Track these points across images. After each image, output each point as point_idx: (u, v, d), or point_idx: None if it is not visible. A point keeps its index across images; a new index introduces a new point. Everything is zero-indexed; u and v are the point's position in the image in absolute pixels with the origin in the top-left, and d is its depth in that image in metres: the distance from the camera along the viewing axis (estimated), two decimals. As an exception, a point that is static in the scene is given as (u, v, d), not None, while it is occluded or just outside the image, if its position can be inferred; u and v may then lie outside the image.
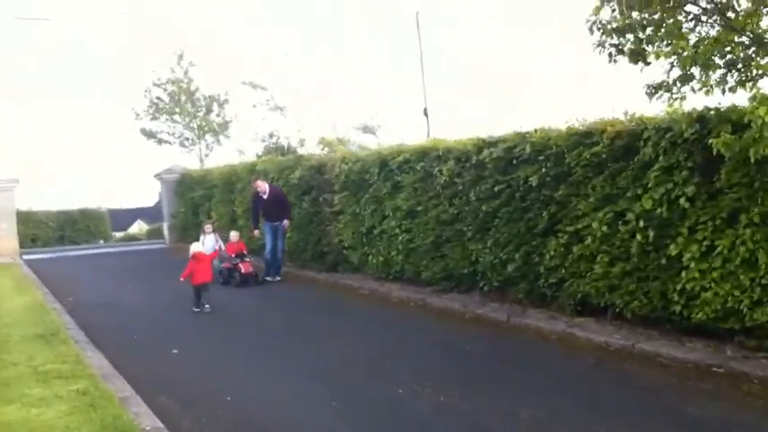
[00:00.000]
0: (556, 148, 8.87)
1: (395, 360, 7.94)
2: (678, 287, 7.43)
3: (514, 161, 9.62)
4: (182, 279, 11.77)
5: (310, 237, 15.14)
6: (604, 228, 8.16)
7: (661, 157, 7.48)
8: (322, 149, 15.65)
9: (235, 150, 19.97)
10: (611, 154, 8.16)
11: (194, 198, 22.44)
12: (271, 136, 17.68)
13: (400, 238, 12.16)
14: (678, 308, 7.49)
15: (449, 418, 6.04)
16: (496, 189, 9.80)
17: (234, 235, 15.03)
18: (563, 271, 8.93)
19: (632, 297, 8.02)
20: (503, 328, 9.20)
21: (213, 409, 6.54)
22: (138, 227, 45.99)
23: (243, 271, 14.08)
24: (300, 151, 16.25)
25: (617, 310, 8.27)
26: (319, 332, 9.67)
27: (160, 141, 25.24)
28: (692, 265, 7.23)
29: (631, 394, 6.41)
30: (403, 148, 12.41)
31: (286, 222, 14.62)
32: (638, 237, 7.72)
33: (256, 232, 15.02)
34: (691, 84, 6.49)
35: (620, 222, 8.08)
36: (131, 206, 50.88)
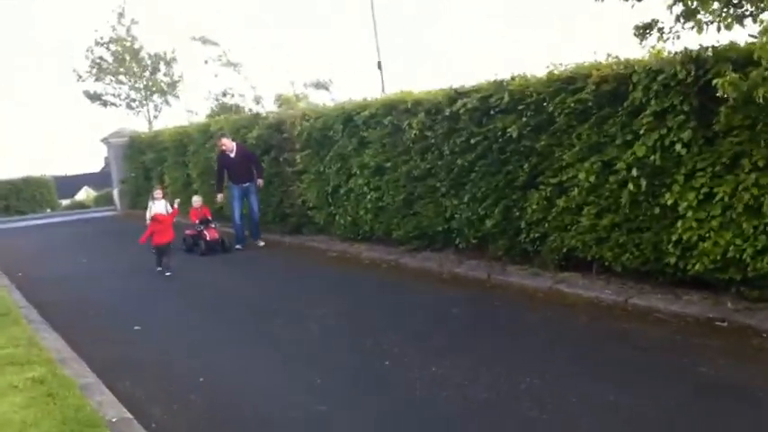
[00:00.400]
0: (536, 95, 8.36)
1: (376, 328, 7.43)
2: (673, 238, 7.02)
3: (491, 111, 9.09)
4: (142, 242, 11.70)
5: (272, 198, 14.49)
6: (592, 178, 7.71)
7: (653, 102, 7.00)
8: (279, 107, 14.83)
9: (185, 111, 19.04)
10: (597, 100, 7.67)
11: (145, 162, 21.55)
12: (224, 94, 16.86)
13: (369, 196, 11.60)
14: (673, 259, 7.09)
15: (444, 390, 5.53)
16: (472, 141, 9.28)
17: (196, 200, 14.02)
18: (546, 225, 8.49)
19: (622, 250, 7.61)
20: (485, 287, 8.76)
21: (185, 393, 5.96)
22: (86, 193, 44.68)
23: (208, 238, 13.10)
24: (256, 109, 15.39)
25: (606, 263, 7.86)
26: (291, 300, 9.10)
27: (105, 103, 24.12)
28: (689, 214, 6.82)
29: (635, 355, 5.99)
30: (368, 102, 11.78)
31: (260, 181, 13.61)
32: (630, 186, 7.28)
33: (220, 197, 13.88)
34: (698, 17, 5.98)
35: (608, 172, 7.64)
36: (77, 172, 49.39)
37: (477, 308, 7.97)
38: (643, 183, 7.16)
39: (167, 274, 11.35)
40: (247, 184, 13.51)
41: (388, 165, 11.11)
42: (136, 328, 8.32)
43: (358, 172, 11.78)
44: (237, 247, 13.37)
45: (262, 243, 13.56)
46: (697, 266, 6.86)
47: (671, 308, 6.89)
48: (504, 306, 7.88)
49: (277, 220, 14.48)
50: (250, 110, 15.64)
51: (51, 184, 34.95)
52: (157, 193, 13.41)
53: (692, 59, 6.70)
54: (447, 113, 9.73)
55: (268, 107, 15.39)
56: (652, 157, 7.03)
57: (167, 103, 23.60)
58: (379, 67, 21.58)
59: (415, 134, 10.36)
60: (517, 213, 8.89)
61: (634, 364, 5.77)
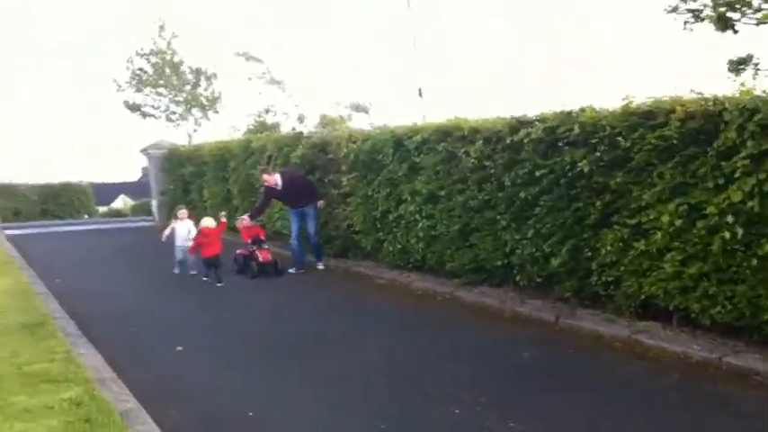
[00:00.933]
0: (610, 129, 7.68)
1: (440, 369, 6.82)
2: (773, 293, 6.34)
3: (559, 143, 8.42)
4: (190, 254, 12.38)
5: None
6: (677, 222, 7.02)
7: (748, 143, 6.30)
8: (324, 127, 14.25)
9: (227, 126, 18.60)
10: (682, 138, 6.98)
11: (184, 175, 21.11)
12: (267, 111, 16.30)
13: (420, 224, 10.98)
14: (771, 316, 6.41)
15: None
16: (537, 174, 8.61)
17: (246, 218, 13.11)
18: (621, 268, 7.80)
19: (712, 302, 6.91)
20: (554, 331, 8.09)
21: (235, 428, 5.48)
22: (123, 202, 44.49)
23: (260, 259, 12.27)
24: (299, 128, 14.83)
25: (691, 315, 7.16)
26: (342, 332, 8.46)
27: (144, 115, 23.72)
28: (793, 268, 6.13)
29: (738, 424, 5.32)
30: (420, 127, 11.17)
31: (321, 203, 12.84)
32: (724, 233, 6.58)
33: (245, 221, 12.77)
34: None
35: (695, 216, 6.94)
36: (114, 180, 49.30)
37: (549, 354, 7.29)
38: (739, 231, 6.45)
39: (218, 284, 11.57)
40: (304, 207, 12.70)
41: (442, 193, 10.47)
42: (178, 348, 7.84)
43: (409, 198, 11.17)
44: (291, 270, 12.52)
45: (321, 266, 12.83)
46: (800, 326, 6.17)
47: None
48: (580, 355, 7.19)
49: (322, 243, 13.88)
50: (293, 128, 15.02)
51: (89, 191, 34.73)
52: (182, 213, 12.97)
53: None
54: (508, 143, 9.08)
55: (311, 127, 14.70)
56: (749, 204, 6.33)
57: (207, 117, 23.16)
58: (420, 93, 21.03)
59: (472, 163, 9.71)
60: (588, 253, 8.21)
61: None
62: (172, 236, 12.68)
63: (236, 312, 9.78)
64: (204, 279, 11.85)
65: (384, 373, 6.85)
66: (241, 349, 7.90)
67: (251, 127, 19.20)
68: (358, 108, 14.59)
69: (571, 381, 6.46)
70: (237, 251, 12.85)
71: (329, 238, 13.65)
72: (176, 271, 12.43)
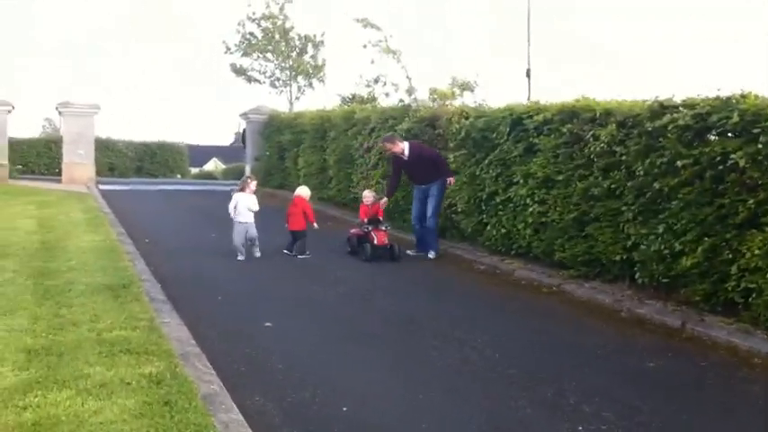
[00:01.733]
0: (777, 119, 6.72)
1: (554, 374, 6.02)
2: None
3: (709, 132, 7.50)
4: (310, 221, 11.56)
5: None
6: None
7: None
8: (434, 101, 13.55)
9: (334, 95, 18.06)
10: None
11: (281, 142, 20.77)
12: (376, 81, 15.67)
13: (531, 209, 10.15)
14: None
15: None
16: (678, 164, 7.69)
17: (368, 195, 12.00)
18: (767, 276, 6.84)
19: None
20: (679, 338, 7.18)
21: (328, 425, 4.81)
22: (214, 165, 44.87)
23: (376, 242, 11.05)
24: (409, 101, 14.15)
25: None
26: (443, 323, 7.72)
27: (250, 79, 23.45)
28: None
29: None
30: (542, 106, 10.32)
31: (451, 180, 11.53)
32: None
33: (384, 201, 11.94)
34: None
35: None
36: (208, 143, 49.83)
37: (679, 366, 6.40)
38: None
39: (299, 257, 11.18)
40: (427, 185, 11.52)
41: (560, 178, 9.62)
42: (267, 324, 7.27)
43: (521, 181, 10.35)
44: (409, 252, 11.53)
45: (432, 255, 11.39)
46: None
47: None
48: (714, 369, 6.27)
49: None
50: (401, 100, 14.35)
51: (184, 151, 35.04)
52: (252, 183, 11.21)
53: None
54: (648, 128, 8.17)
55: (420, 100, 13.99)
56: None
57: (311, 86, 22.74)
58: (528, 74, 20.09)
59: (601, 147, 8.83)
60: (728, 255, 7.26)
61: None
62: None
63: (327, 290, 9.16)
64: (285, 252, 11.28)
65: (490, 369, 6.11)
66: (330, 330, 7.31)
67: (345, 97, 18.57)
68: (463, 86, 13.77)
69: (707, 400, 5.57)
70: (351, 230, 11.78)
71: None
72: (240, 257, 10.77)
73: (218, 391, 5.11)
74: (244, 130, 23.10)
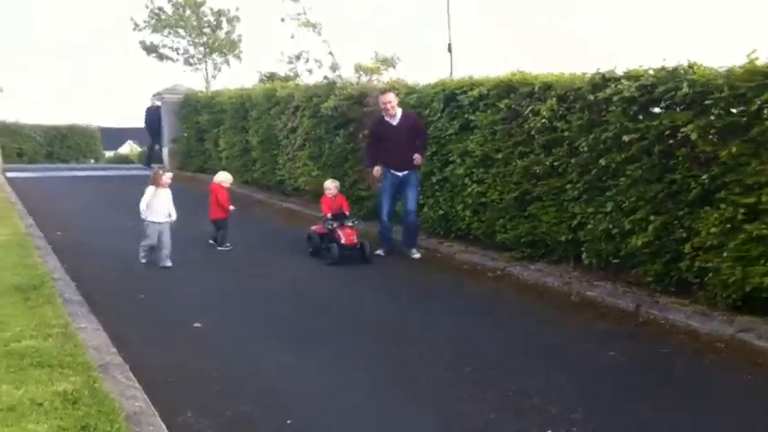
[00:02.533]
0: (729, 90, 6.38)
1: (510, 370, 5.59)
2: None
3: (656, 104, 7.15)
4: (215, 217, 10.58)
5: (345, 178, 12.63)
6: (813, 205, 5.76)
7: None
8: (359, 77, 12.93)
9: (254, 72, 17.18)
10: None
11: (200, 123, 19.76)
12: (298, 57, 14.90)
13: (469, 189, 9.71)
14: None
15: None
16: (625, 139, 7.32)
17: (330, 186, 10.27)
18: (724, 254, 6.54)
19: None
20: (636, 323, 6.85)
21: None
22: (130, 148, 43.09)
23: (343, 241, 9.42)
24: (333, 78, 13.49)
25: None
26: (390, 319, 7.21)
27: (162, 57, 22.26)
28: None
29: None
30: (477, 80, 9.83)
31: (418, 157, 9.67)
32: None
33: (376, 170, 9.91)
34: None
35: (836, 199, 5.69)
36: (123, 125, 47.80)
37: (641, 354, 6.01)
38: None
39: (219, 247, 10.37)
40: (407, 172, 9.71)
41: (499, 156, 9.19)
42: (196, 325, 6.63)
43: (458, 160, 9.89)
44: (379, 252, 9.95)
45: (417, 255, 9.81)
46: None
47: None
48: (678, 357, 5.91)
49: (350, 203, 12.60)
50: (325, 77, 13.67)
51: (97, 135, 33.42)
52: (166, 176, 9.39)
53: None
54: (590, 102, 7.78)
55: (346, 77, 13.36)
56: None
57: (228, 63, 21.72)
58: (450, 49, 19.57)
59: (542, 123, 8.42)
60: (682, 234, 6.96)
61: None
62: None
63: (260, 284, 8.52)
64: (210, 242, 10.52)
65: (444, 370, 5.61)
66: (270, 331, 6.65)
67: (264, 75, 17.71)
68: (385, 62, 13.20)
69: (679, 394, 5.17)
70: (312, 228, 10.15)
71: (359, 198, 12.39)
72: (143, 260, 9.23)
73: (144, 409, 4.47)
74: (148, 110, 21.84)
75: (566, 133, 8.17)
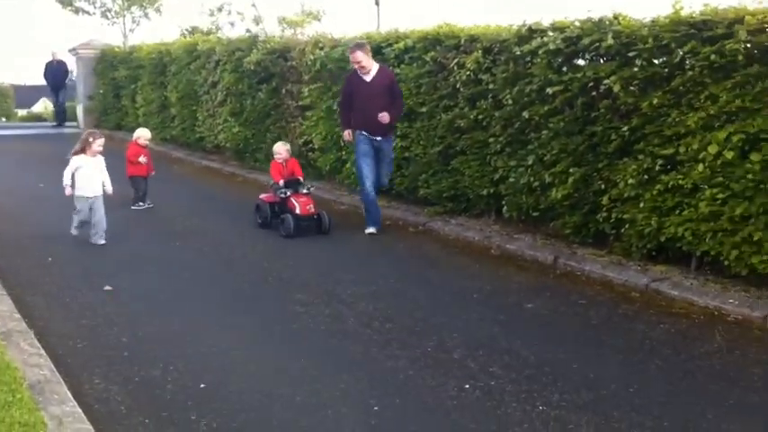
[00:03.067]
0: (653, 41, 6.39)
1: (429, 322, 5.51)
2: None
3: (581, 56, 7.13)
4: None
5: (267, 134, 12.34)
6: (729, 155, 5.81)
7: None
8: (283, 31, 12.60)
9: (175, 27, 16.55)
10: (749, 54, 5.75)
11: (116, 79, 19.01)
12: (220, 9, 14.43)
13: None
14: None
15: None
16: (549, 92, 7.29)
17: (281, 149, 8.98)
18: (641, 204, 6.60)
19: (754, 249, 5.77)
20: (554, 274, 6.87)
21: (183, 407, 4.04)
22: (44, 106, 41.41)
23: (298, 211, 8.26)
24: (256, 31, 13.12)
25: (726, 263, 6.02)
26: (308, 275, 7.03)
27: (77, 10, 21.27)
28: None
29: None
30: (402, 33, 9.66)
31: (385, 116, 8.10)
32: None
33: (347, 134, 8.66)
34: None
35: (749, 149, 5.76)
36: (36, 83, 45.87)
37: (558, 305, 5.97)
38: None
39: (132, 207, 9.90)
40: (380, 138, 8.33)
41: (423, 110, 9.06)
42: (107, 288, 6.29)
43: (382, 114, 9.70)
44: (371, 230, 8.38)
45: (373, 230, 8.41)
46: None
47: None
48: (594, 308, 5.90)
49: (271, 160, 12.31)
50: (248, 30, 13.28)
51: (9, 93, 31.95)
52: (98, 142, 7.98)
53: None
54: (515, 54, 7.72)
55: (269, 30, 13.01)
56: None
57: (147, 16, 20.90)
58: (377, 2, 19.39)
59: (467, 76, 8.32)
60: (601, 186, 6.99)
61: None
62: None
63: (177, 245, 8.21)
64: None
65: (363, 327, 5.49)
66: (184, 293, 6.34)
67: (186, 29, 17.10)
68: (309, 15, 12.93)
69: (595, 344, 5.16)
70: (261, 196, 8.92)
71: (280, 154, 12.11)
72: (74, 231, 8.08)
73: (49, 377, 4.21)
74: (49, 65, 20.89)
75: (490, 86, 8.09)
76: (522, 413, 4.05)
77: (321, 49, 10.96)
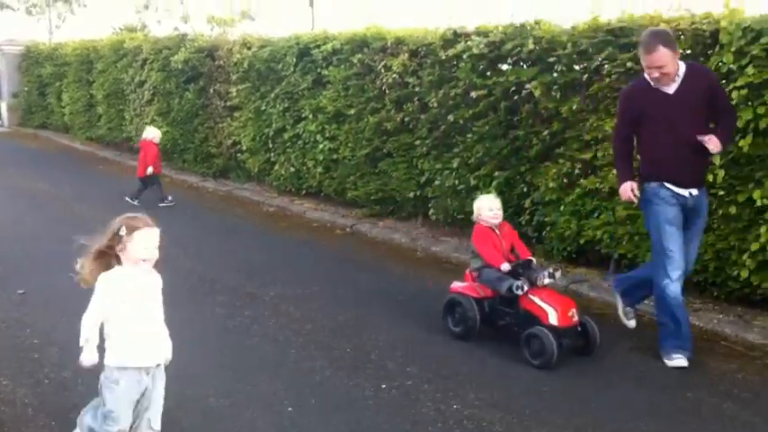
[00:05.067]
0: (572, 47, 6.48)
1: (357, 330, 5.42)
2: (752, 247, 5.38)
3: (504, 61, 7.19)
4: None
5: (195, 134, 12.12)
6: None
7: (749, 70, 5.25)
8: (212, 29, 12.40)
9: (104, 24, 16.04)
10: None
11: (42, 76, 18.41)
12: (147, 7, 14.09)
13: (321, 146, 9.49)
14: (744, 273, 5.46)
15: None
16: (473, 95, 7.33)
17: (489, 204, 5.38)
18: (561, 208, 6.70)
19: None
20: (478, 276, 6.90)
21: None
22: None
23: (555, 321, 4.74)
24: (184, 29, 12.86)
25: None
26: (231, 275, 6.90)
27: (1, 6, 20.55)
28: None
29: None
30: (330, 35, 9.59)
31: (716, 144, 4.59)
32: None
33: (626, 190, 4.84)
34: None
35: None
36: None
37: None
38: (720, 173, 5.43)
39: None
40: (697, 192, 4.83)
41: (351, 112, 9.01)
42: (19, 291, 6.05)
43: (310, 116, 9.63)
44: (677, 360, 4.76)
45: (680, 357, 4.76)
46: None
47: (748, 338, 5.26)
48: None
49: (199, 161, 12.13)
50: (176, 29, 13.01)
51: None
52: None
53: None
54: (441, 58, 7.74)
55: (197, 29, 12.76)
56: (741, 142, 5.30)
57: (72, 12, 20.27)
58: (311, 4, 19.23)
59: (393, 78, 8.31)
60: (523, 189, 7.07)
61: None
62: None
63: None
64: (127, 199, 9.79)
65: (283, 329, 5.42)
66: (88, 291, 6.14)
67: (117, 28, 16.64)
68: (243, 14, 12.76)
69: (512, 343, 5.09)
70: (457, 286, 5.44)
71: (208, 155, 11.94)
72: None
73: None
74: None
75: (417, 89, 8.10)
76: (437, 412, 4.06)
77: (249, 48, 10.81)
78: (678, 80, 4.63)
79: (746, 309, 5.58)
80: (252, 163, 10.95)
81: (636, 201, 4.89)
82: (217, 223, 9.15)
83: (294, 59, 9.85)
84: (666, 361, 4.78)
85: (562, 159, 6.66)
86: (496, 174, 7.22)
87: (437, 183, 7.93)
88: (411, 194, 8.33)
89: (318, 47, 9.51)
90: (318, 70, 9.49)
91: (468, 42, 7.43)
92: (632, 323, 5.41)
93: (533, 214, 6.99)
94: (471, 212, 7.32)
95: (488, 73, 7.32)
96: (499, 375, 4.60)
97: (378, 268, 7.24)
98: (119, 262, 3.35)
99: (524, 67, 7.00)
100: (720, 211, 5.51)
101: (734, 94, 5.30)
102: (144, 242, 3.34)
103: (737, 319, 5.47)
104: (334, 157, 9.34)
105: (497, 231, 5.25)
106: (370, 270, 7.18)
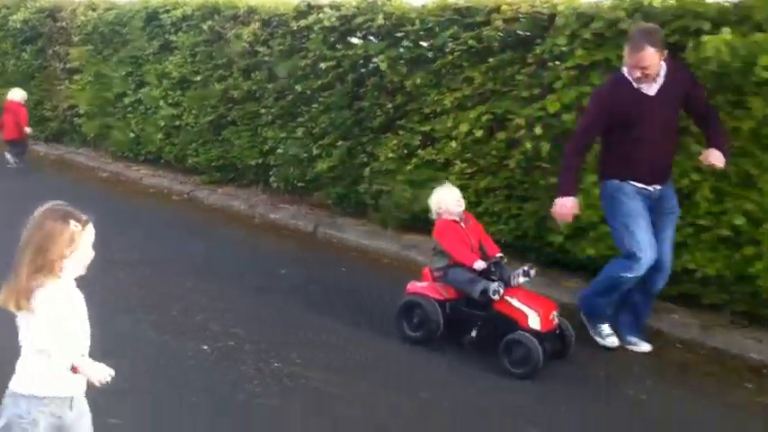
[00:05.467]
0: (420, 24, 6.60)
1: (183, 294, 5.17)
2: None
3: (354, 34, 7.22)
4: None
5: (30, 96, 11.24)
6: (479, 133, 6.11)
7: (578, 52, 5.55)
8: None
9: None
10: (503, 41, 6.10)
11: None
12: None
13: (163, 112, 9.10)
14: (559, 239, 5.74)
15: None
16: (322, 66, 7.30)
17: (448, 197, 4.73)
18: (398, 177, 6.78)
19: (495, 218, 6.12)
20: (314, 243, 6.84)
21: None
22: None
23: (537, 325, 4.15)
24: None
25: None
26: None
27: None
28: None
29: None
30: (179, 0, 9.25)
31: (717, 159, 4.30)
32: (527, 145, 5.78)
33: (563, 206, 4.46)
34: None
35: (499, 127, 6.11)
36: None
37: (313, 272, 5.92)
38: (545, 146, 5.70)
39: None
40: (661, 187, 4.50)
41: (197, 78, 8.70)
42: None
43: (155, 81, 9.23)
44: (639, 347, 4.63)
45: (637, 341, 4.65)
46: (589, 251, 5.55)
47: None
48: (348, 273, 5.98)
49: (32, 124, 11.26)
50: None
51: None
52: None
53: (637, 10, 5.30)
54: (293, 28, 7.66)
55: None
56: (565, 117, 5.59)
57: None
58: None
59: (243, 47, 8.13)
60: (364, 159, 7.10)
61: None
62: None
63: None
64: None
65: (108, 294, 5.01)
66: None
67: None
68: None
69: (350, 305, 5.14)
70: (414, 287, 4.80)
71: (43, 119, 11.14)
72: None
73: None
74: None
75: (266, 58, 7.96)
76: (256, 371, 3.96)
77: (94, 10, 10.24)
78: (660, 81, 4.30)
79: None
80: (89, 127, 10.33)
81: (570, 220, 4.60)
82: (45, 188, 8.49)
83: (141, 23, 9.41)
84: (604, 341, 4.62)
85: (403, 131, 6.74)
86: (339, 143, 7.21)
87: (280, 151, 7.80)
88: (253, 162, 8.14)
89: (168, 12, 9.11)
90: (166, 36, 9.11)
91: (321, 14, 7.40)
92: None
93: (371, 183, 7.02)
94: (312, 180, 7.39)
95: (338, 45, 7.29)
96: (319, 334, 4.55)
97: (212, 235, 6.99)
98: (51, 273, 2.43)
99: (374, 41, 7.05)
100: (543, 182, 5.76)
101: (563, 74, 5.58)
102: (91, 236, 2.57)
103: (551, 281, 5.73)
104: (177, 123, 8.98)
105: (463, 225, 4.59)
106: (205, 236, 6.91)
